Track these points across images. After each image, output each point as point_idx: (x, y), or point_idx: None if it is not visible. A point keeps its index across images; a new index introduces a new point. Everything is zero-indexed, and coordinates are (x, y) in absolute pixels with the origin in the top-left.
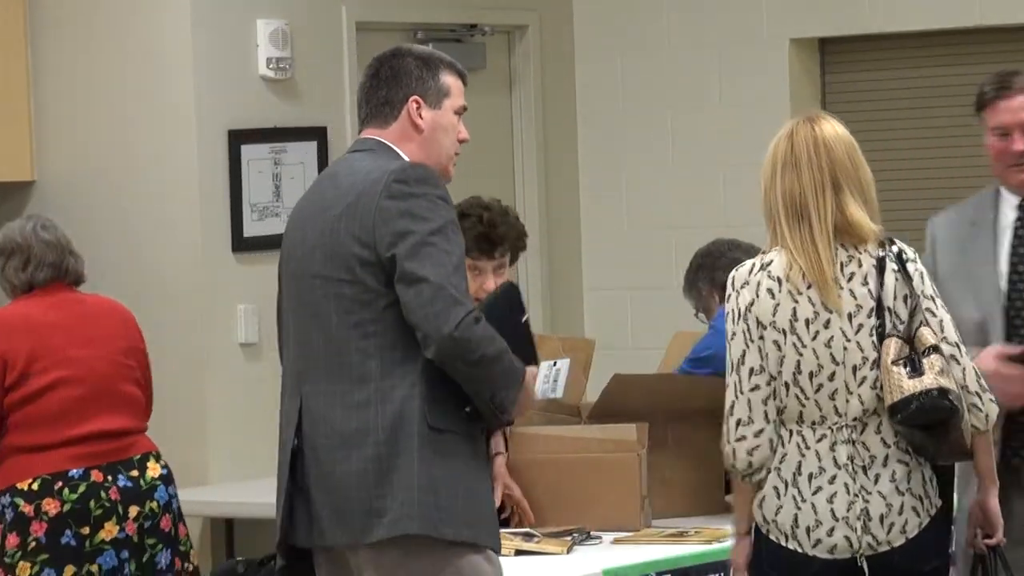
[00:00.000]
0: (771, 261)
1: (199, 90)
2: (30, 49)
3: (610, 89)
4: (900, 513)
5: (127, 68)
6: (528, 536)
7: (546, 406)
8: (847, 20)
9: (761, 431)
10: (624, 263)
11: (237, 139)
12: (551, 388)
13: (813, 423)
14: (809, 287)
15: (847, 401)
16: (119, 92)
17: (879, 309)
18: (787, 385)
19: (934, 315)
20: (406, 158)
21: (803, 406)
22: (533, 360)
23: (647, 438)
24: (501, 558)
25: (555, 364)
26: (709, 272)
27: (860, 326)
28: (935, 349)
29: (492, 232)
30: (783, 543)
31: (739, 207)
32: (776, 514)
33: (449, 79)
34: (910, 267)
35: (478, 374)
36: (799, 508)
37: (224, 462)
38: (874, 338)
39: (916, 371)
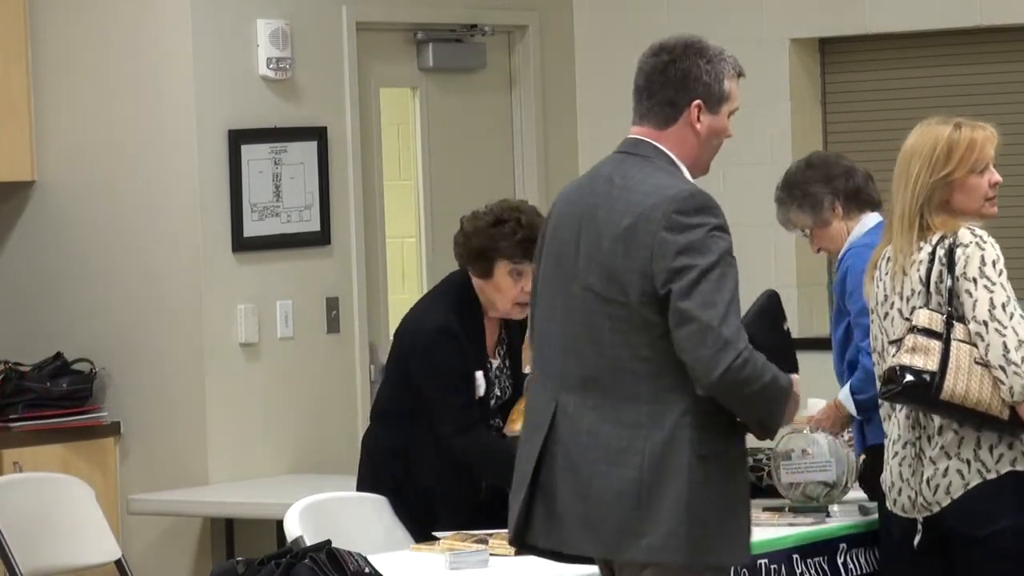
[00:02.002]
0: None
1: (199, 90)
2: (31, 49)
3: (610, 89)
4: (944, 475)
5: (127, 68)
6: None
7: None
8: (847, 20)
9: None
10: None
11: (237, 139)
12: None
13: None
14: None
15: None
16: (119, 92)
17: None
18: None
19: (971, 296)
20: (680, 165)
21: None
22: (794, 367)
23: None
24: (500, 558)
25: None
26: (829, 182)
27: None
28: (924, 331)
29: (532, 234)
30: (885, 502)
31: (739, 205)
32: (883, 478)
33: (731, 84)
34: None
35: (748, 406)
36: (885, 470)
37: (224, 462)
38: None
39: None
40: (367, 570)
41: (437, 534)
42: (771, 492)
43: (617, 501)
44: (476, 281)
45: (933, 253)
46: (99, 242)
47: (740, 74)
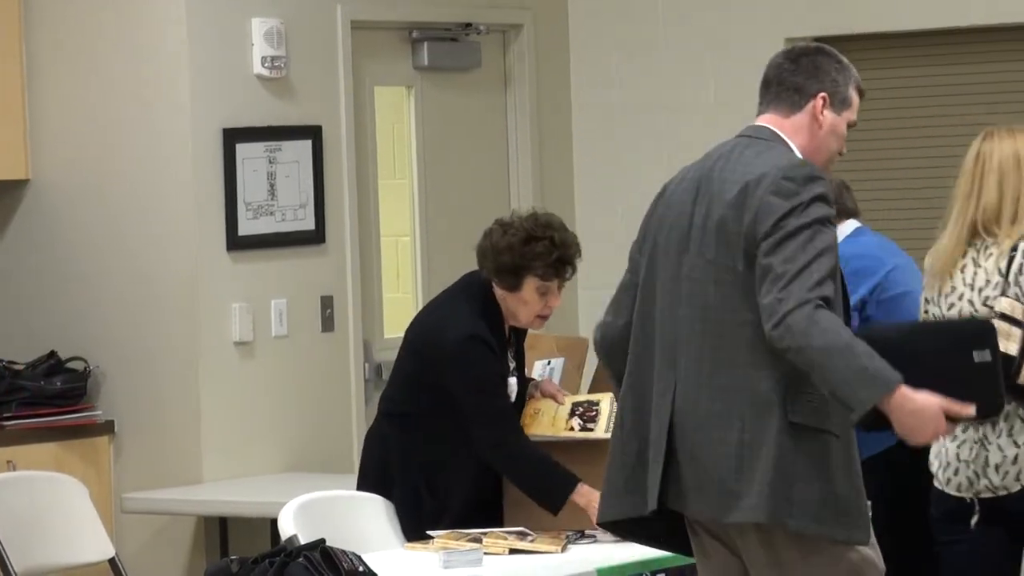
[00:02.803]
0: None
1: (194, 88)
2: (25, 48)
3: (604, 87)
4: (1014, 463)
5: (122, 67)
6: (523, 535)
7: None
8: (842, 19)
9: None
10: (618, 262)
11: (232, 137)
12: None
13: None
14: None
15: None
16: (114, 91)
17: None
18: None
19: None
20: (797, 154)
21: None
22: (992, 408)
23: None
24: (494, 557)
25: (549, 363)
26: None
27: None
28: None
29: (565, 254)
30: (934, 481)
31: None
32: (936, 455)
33: (854, 93)
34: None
35: (817, 370)
36: (940, 451)
37: (218, 461)
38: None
39: None
40: (361, 569)
41: (431, 533)
42: None
43: (720, 463)
44: (501, 292)
45: (1015, 248)
46: (93, 240)
47: (862, 91)
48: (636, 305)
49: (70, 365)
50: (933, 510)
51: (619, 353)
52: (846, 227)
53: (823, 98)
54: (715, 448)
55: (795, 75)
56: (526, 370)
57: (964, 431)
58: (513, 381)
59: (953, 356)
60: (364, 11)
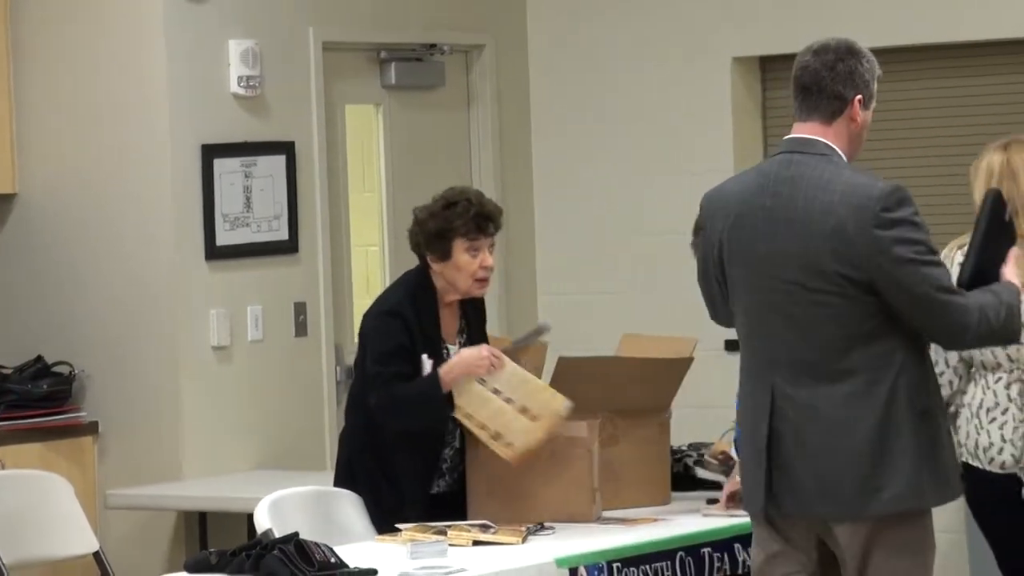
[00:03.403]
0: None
1: (174, 106)
2: (12, 66)
3: (563, 105)
4: None
5: (106, 85)
6: (485, 527)
7: None
8: (785, 39)
9: (942, 373)
10: (576, 269)
11: (210, 153)
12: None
13: (992, 368)
14: None
15: (1017, 350)
16: (99, 108)
17: None
18: None
19: None
20: (843, 158)
21: (983, 355)
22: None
23: (598, 434)
24: (458, 548)
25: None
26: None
27: None
28: None
29: (483, 210)
30: (970, 461)
31: (685, 214)
32: (966, 439)
33: (875, 85)
34: None
35: (1002, 333)
36: (979, 434)
37: (197, 458)
38: None
39: None
40: (333, 560)
41: (400, 526)
42: (713, 485)
43: (852, 465)
44: (435, 266)
45: None
46: (78, 251)
47: (879, 77)
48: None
49: (56, 369)
50: (974, 495)
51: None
52: None
53: (859, 101)
54: (842, 452)
55: (835, 83)
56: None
57: (1003, 413)
58: (427, 361)
59: (1006, 234)
60: (334, 33)
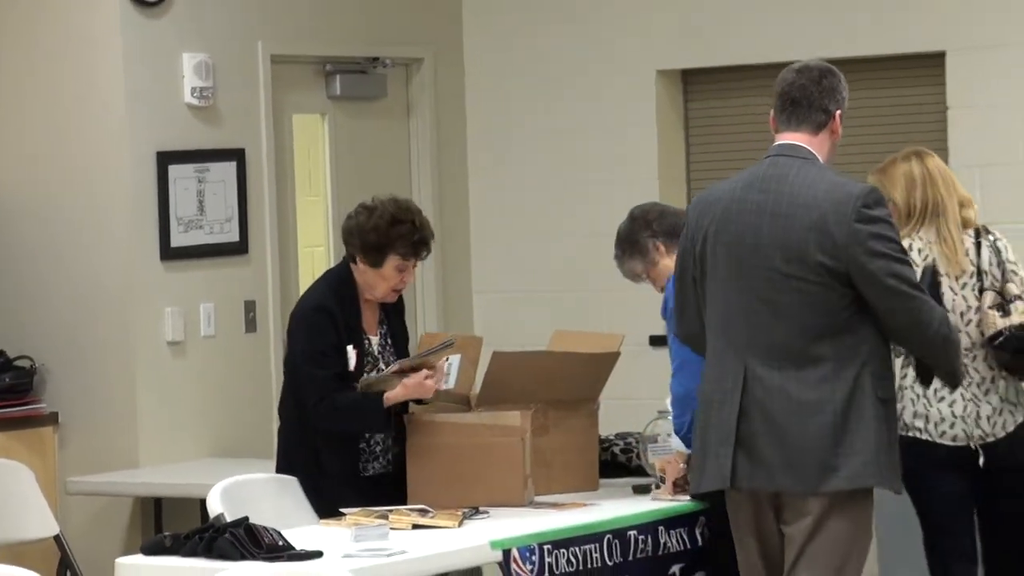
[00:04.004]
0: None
1: (131, 116)
2: None
3: (496, 115)
4: (1001, 415)
5: (66, 95)
6: (424, 512)
7: (440, 396)
8: (707, 53)
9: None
10: (509, 269)
11: (165, 160)
12: (445, 380)
13: None
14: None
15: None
16: (59, 116)
17: (978, 273)
18: None
19: (1016, 274)
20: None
21: None
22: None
23: (530, 424)
24: (398, 532)
25: (448, 360)
26: (648, 227)
27: (964, 284)
28: (1019, 297)
29: (424, 237)
30: (919, 435)
31: (609, 218)
32: (913, 417)
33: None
34: (999, 244)
35: (948, 357)
36: (928, 410)
37: (153, 447)
38: (976, 292)
39: (1005, 313)
40: (280, 543)
41: (343, 510)
42: (639, 471)
43: (815, 445)
44: (361, 268)
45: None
46: (40, 252)
47: None
48: (706, 311)
49: (18, 363)
50: (914, 463)
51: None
52: None
53: (839, 115)
54: (809, 431)
55: (822, 97)
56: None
57: (950, 393)
58: (352, 350)
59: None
60: (282, 46)
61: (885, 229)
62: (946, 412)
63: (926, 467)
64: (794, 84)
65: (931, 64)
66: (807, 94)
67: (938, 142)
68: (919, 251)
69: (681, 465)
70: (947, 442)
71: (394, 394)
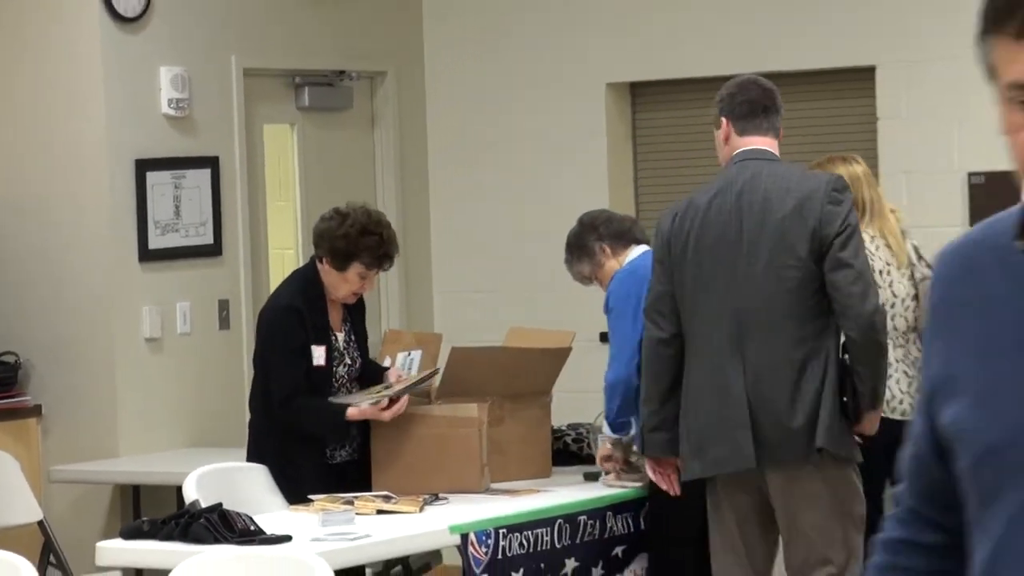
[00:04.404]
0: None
1: (111, 126)
2: None
3: (456, 126)
4: None
5: (49, 106)
6: (387, 498)
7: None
8: (653, 67)
9: None
10: (468, 270)
11: (143, 167)
12: (407, 373)
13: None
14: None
15: (892, 318)
16: (44, 125)
17: (910, 266)
18: None
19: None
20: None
21: None
22: None
23: (487, 415)
24: (363, 517)
25: (409, 354)
26: (595, 232)
27: (903, 275)
28: None
29: (389, 251)
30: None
31: (561, 222)
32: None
33: None
34: (914, 243)
35: (878, 361)
36: (888, 389)
37: (132, 438)
38: (911, 282)
39: None
40: (252, 528)
41: (311, 497)
42: (590, 460)
43: (805, 419)
44: (326, 268)
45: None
46: (25, 253)
47: None
48: (686, 307)
49: (3, 358)
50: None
51: (671, 360)
52: (634, 252)
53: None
54: (799, 407)
55: (777, 113)
56: (389, 360)
57: (895, 372)
58: (321, 349)
59: None
60: (254, 60)
61: (852, 215)
62: (895, 389)
63: (883, 441)
64: (761, 94)
65: (862, 77)
66: (773, 101)
67: (869, 150)
68: (870, 240)
69: (608, 446)
70: (898, 416)
71: (355, 412)
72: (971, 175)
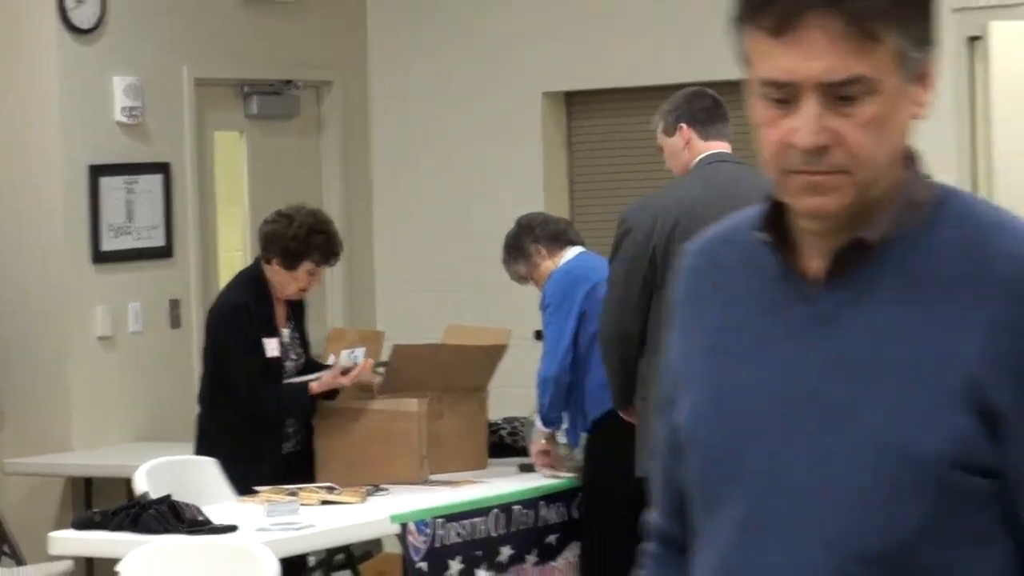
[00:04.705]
0: None
1: (66, 133)
2: None
3: (398, 132)
4: None
5: (7, 113)
6: (331, 489)
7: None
8: (588, 77)
9: None
10: (408, 270)
11: (97, 172)
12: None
13: None
14: None
15: None
16: (1, 132)
17: None
18: None
19: None
20: None
21: None
22: None
23: (426, 410)
24: (308, 507)
25: (353, 351)
26: (532, 234)
27: None
28: None
29: (337, 249)
30: None
31: (499, 224)
32: None
33: None
34: None
35: None
36: None
37: (84, 432)
38: None
39: None
40: (200, 518)
41: (257, 488)
42: (524, 452)
43: None
44: (275, 268)
45: None
46: None
47: None
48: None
49: None
50: None
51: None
52: (569, 253)
53: None
54: None
55: (727, 120)
56: (334, 357)
57: None
58: (273, 342)
59: None
60: (205, 70)
61: None
62: None
63: None
64: (715, 102)
65: None
66: (726, 111)
67: None
68: None
69: (542, 442)
70: None
71: (317, 385)
72: None
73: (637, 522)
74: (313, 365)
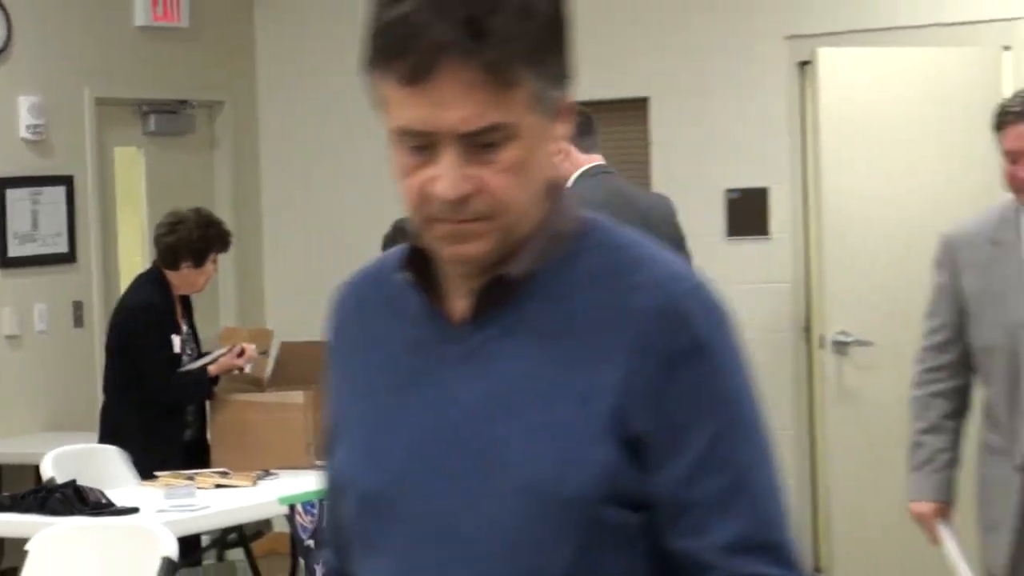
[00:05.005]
0: None
1: None
2: None
3: (286, 149)
4: None
5: None
6: (224, 473)
7: (237, 379)
8: None
9: None
10: (296, 272)
11: (3, 185)
12: (246, 364)
13: None
14: None
15: None
16: None
17: None
18: None
19: None
20: None
21: None
22: None
23: (312, 401)
24: (203, 491)
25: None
26: (406, 236)
27: None
28: None
29: (229, 232)
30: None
31: (379, 229)
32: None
33: None
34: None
35: None
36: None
37: None
38: None
39: None
40: (104, 501)
41: (157, 473)
42: None
43: None
44: (183, 271)
45: None
46: None
47: None
48: None
49: None
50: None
51: None
52: None
53: None
54: None
55: (598, 133)
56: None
57: None
58: (177, 338)
59: None
60: (105, 90)
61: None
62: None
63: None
64: (587, 117)
65: (637, 107)
66: (595, 131)
67: (642, 169)
68: None
69: None
70: None
71: (215, 367)
72: (728, 191)
73: None
74: (204, 356)
